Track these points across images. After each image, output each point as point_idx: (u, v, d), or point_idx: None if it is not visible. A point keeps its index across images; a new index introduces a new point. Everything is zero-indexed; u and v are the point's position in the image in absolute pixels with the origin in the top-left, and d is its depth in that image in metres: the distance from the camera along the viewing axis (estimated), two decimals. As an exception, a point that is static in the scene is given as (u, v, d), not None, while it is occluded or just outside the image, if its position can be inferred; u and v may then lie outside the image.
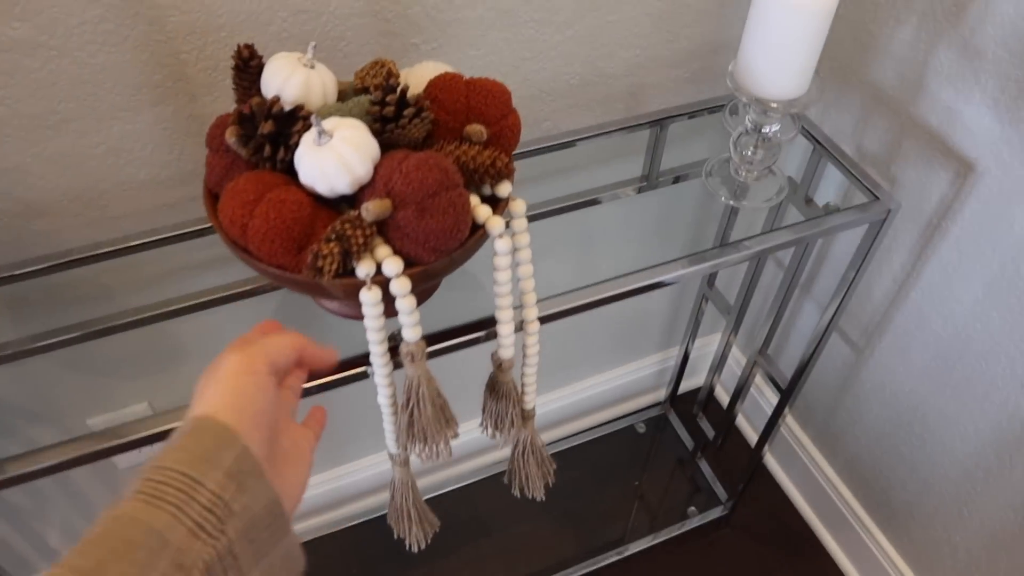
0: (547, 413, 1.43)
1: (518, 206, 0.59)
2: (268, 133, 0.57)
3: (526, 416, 0.76)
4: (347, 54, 0.77)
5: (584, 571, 1.30)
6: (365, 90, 0.63)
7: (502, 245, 0.58)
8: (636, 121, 0.90)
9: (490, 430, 0.74)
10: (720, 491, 1.39)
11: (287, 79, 0.60)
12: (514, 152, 0.61)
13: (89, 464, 0.64)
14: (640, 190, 0.97)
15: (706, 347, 1.47)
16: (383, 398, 0.65)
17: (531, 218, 0.91)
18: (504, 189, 0.58)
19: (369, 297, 0.55)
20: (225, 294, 0.83)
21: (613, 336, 1.37)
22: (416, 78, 0.63)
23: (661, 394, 1.55)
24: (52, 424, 0.95)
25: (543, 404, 1.40)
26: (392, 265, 0.55)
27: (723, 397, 1.50)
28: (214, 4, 0.68)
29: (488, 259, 0.61)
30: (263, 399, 0.45)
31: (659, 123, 0.90)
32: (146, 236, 0.76)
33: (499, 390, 0.70)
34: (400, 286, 0.55)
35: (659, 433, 1.50)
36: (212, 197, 0.62)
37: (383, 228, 0.56)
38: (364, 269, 0.55)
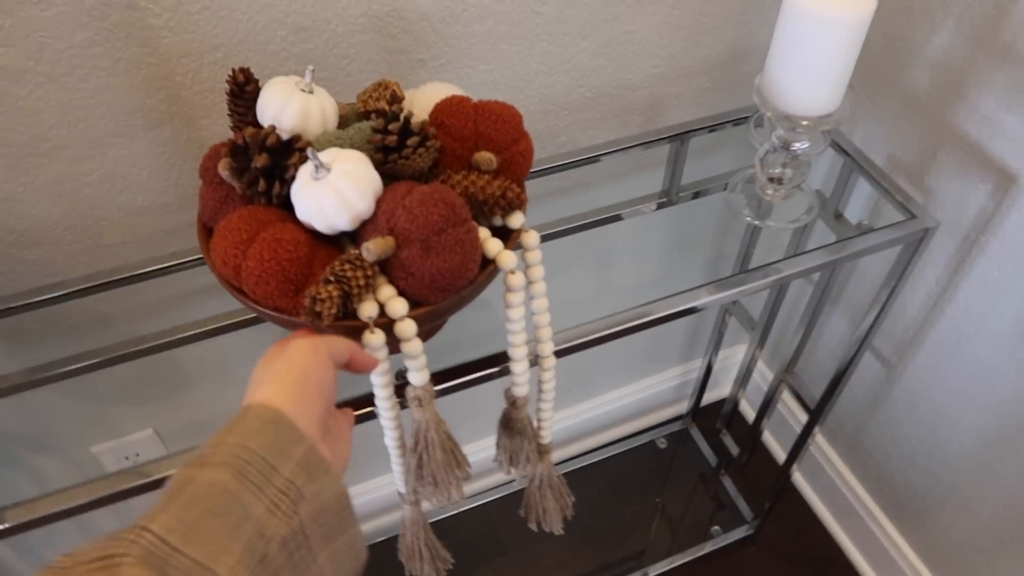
0: (564, 429, 1.39)
1: (531, 238, 0.55)
2: (263, 166, 0.54)
3: (543, 451, 0.72)
4: (350, 73, 0.74)
5: (604, 594, 1.26)
6: (368, 115, 0.59)
7: (514, 281, 0.54)
8: (656, 136, 0.85)
9: (505, 467, 0.70)
10: (745, 509, 1.34)
11: (284, 106, 0.56)
12: (528, 174, 0.57)
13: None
14: (660, 206, 0.93)
15: (730, 359, 1.42)
16: (390, 440, 0.61)
17: (546, 236, 0.88)
18: (516, 220, 0.54)
19: (373, 341, 0.52)
20: (228, 322, 0.80)
21: (633, 349, 1.33)
22: (422, 101, 0.59)
23: (683, 407, 1.50)
24: (56, 453, 0.93)
25: (559, 420, 1.36)
26: (397, 307, 0.51)
27: (748, 412, 1.46)
28: (208, 24, 0.65)
29: (498, 281, 0.57)
30: (324, 377, 0.48)
31: (679, 138, 0.86)
32: (144, 266, 0.73)
33: (514, 427, 0.67)
34: (405, 329, 0.52)
35: (681, 448, 1.46)
36: (207, 231, 0.58)
37: (386, 266, 0.52)
38: (366, 311, 0.51)
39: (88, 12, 0.60)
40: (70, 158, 0.68)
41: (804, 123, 0.66)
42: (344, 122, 0.60)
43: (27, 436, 0.89)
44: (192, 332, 0.79)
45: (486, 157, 0.52)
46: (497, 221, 0.55)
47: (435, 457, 0.58)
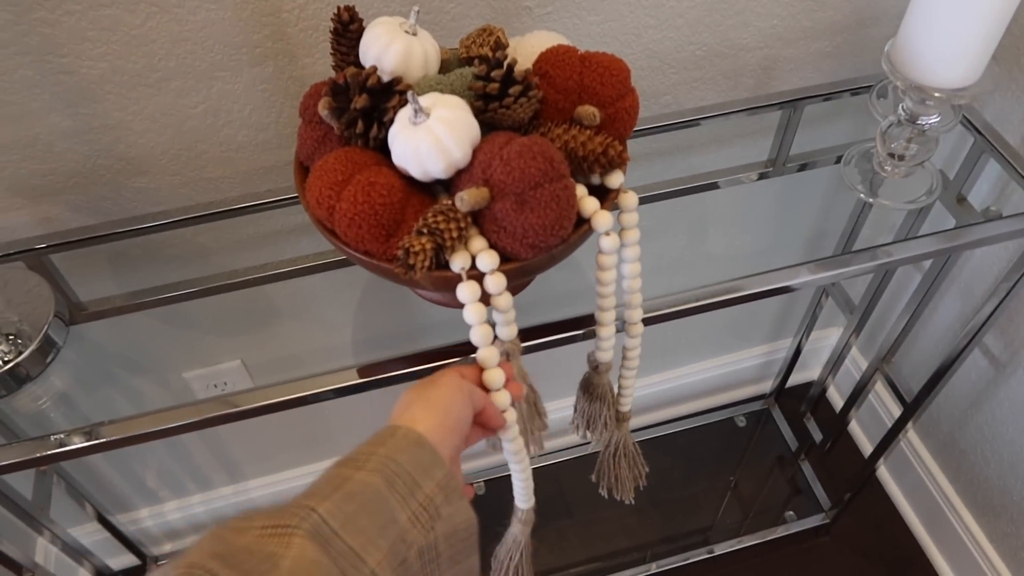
0: (642, 397, 1.36)
1: (629, 199, 0.53)
2: (362, 108, 0.53)
3: (621, 418, 0.71)
4: (454, 17, 0.72)
5: (668, 567, 1.24)
6: (470, 61, 0.58)
7: (608, 243, 0.52)
8: (767, 101, 0.81)
9: (582, 430, 0.69)
10: (823, 497, 1.29)
11: (387, 47, 0.55)
12: (631, 132, 0.54)
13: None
14: (762, 176, 0.88)
15: (821, 340, 1.36)
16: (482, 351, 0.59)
17: (642, 199, 0.85)
18: (615, 180, 0.52)
19: (467, 293, 0.51)
20: (319, 262, 0.81)
21: (719, 323, 1.29)
22: (526, 49, 0.57)
23: (767, 386, 1.45)
24: (150, 375, 0.97)
25: (638, 387, 1.34)
26: (487, 260, 0.50)
27: (836, 398, 1.40)
28: (318, -40, 0.64)
29: (590, 241, 0.55)
30: (463, 415, 0.51)
31: (792, 104, 0.81)
32: (242, 201, 0.75)
33: (594, 392, 0.65)
34: (495, 283, 0.50)
35: (760, 428, 1.42)
36: (303, 170, 0.58)
37: (478, 217, 0.51)
38: (458, 263, 0.50)
39: (202, -57, 0.60)
40: (178, 89, 0.69)
41: (937, 95, 0.60)
42: (446, 67, 0.59)
43: (125, 357, 0.93)
44: (284, 270, 0.80)
45: (589, 111, 0.50)
46: (595, 179, 0.52)
47: (519, 408, 0.57)
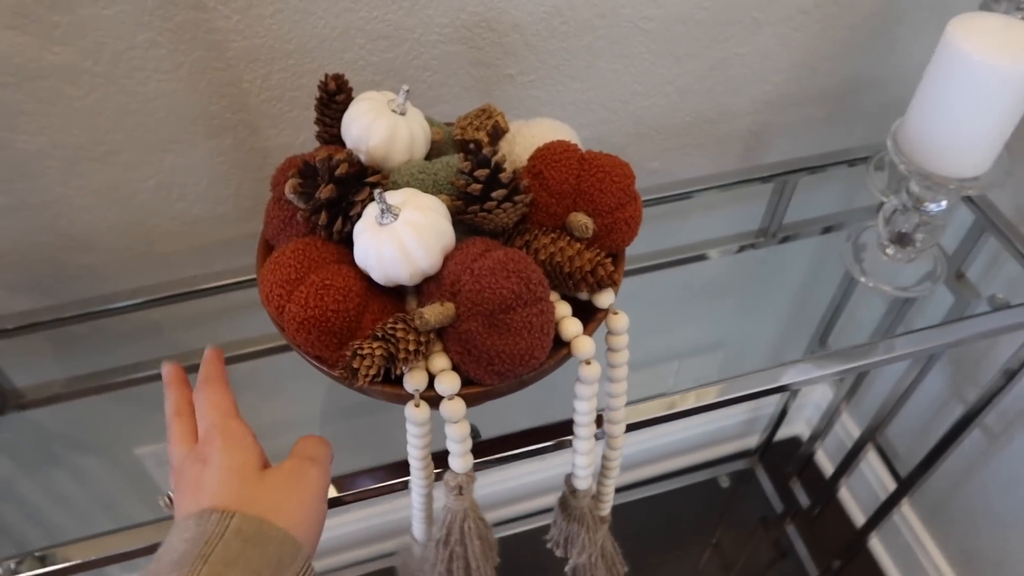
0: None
1: (619, 322, 0.47)
2: (327, 199, 0.48)
3: (600, 521, 0.65)
4: (431, 85, 0.67)
5: (650, 638, 1.19)
6: (465, 144, 0.53)
7: (590, 373, 0.46)
8: (759, 173, 0.77)
9: (560, 547, 0.63)
10: (808, 562, 1.25)
11: (369, 125, 0.49)
12: (630, 243, 0.49)
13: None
14: (753, 246, 0.84)
15: (808, 396, 1.32)
16: (418, 529, 0.54)
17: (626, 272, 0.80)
18: (604, 299, 0.46)
19: (416, 416, 0.46)
20: (281, 343, 0.74)
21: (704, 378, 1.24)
22: (526, 139, 0.52)
23: (751, 441, 1.41)
24: (99, 453, 0.90)
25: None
26: (446, 384, 0.44)
27: (824, 462, 1.35)
28: (282, 28, 0.59)
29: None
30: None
31: (783, 177, 0.77)
32: (198, 282, 0.69)
33: (572, 513, 0.59)
34: (453, 410, 0.45)
35: (744, 488, 1.37)
36: (268, 249, 0.53)
37: (443, 331, 0.45)
38: (412, 383, 0.44)
39: (151, 11, 0.54)
40: (126, 163, 0.63)
41: (951, 187, 0.56)
42: (437, 148, 0.54)
43: (70, 436, 0.86)
44: (242, 351, 0.74)
45: (581, 222, 0.45)
46: (583, 295, 0.47)
47: (472, 547, 0.51)
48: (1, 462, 0.70)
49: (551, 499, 1.29)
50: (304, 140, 0.67)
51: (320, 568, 1.29)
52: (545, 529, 0.68)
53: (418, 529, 0.54)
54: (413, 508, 0.53)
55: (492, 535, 0.53)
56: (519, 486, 1.28)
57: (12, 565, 0.53)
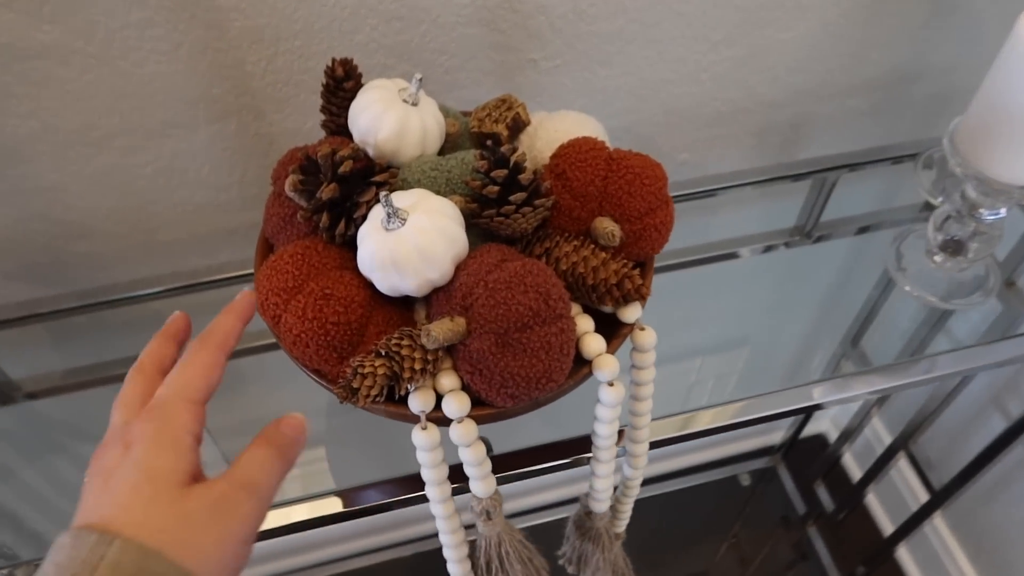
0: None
1: (646, 338, 0.43)
2: (329, 199, 0.44)
3: (615, 538, 0.62)
4: (448, 70, 0.62)
5: (664, 639, 1.16)
6: (483, 137, 0.48)
7: (611, 396, 0.42)
8: (799, 169, 0.72)
9: (573, 565, 0.60)
10: (830, 566, 1.21)
11: (379, 116, 0.45)
12: (660, 251, 0.44)
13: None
14: (789, 245, 0.79)
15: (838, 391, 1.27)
16: (455, 565, 0.50)
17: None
18: (630, 314, 0.42)
19: (424, 440, 0.42)
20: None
21: (727, 370, 1.20)
22: (548, 133, 0.48)
23: (775, 438, 1.36)
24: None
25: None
26: (454, 406, 0.41)
27: (851, 466, 1.30)
28: (288, 7, 0.55)
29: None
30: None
31: (823, 174, 0.72)
32: (200, 275, 0.66)
33: (587, 533, 0.56)
34: (463, 434, 0.41)
35: (765, 487, 1.33)
36: (268, 247, 0.49)
37: (453, 348, 0.41)
38: (418, 403, 0.41)
39: (147, -12, 0.50)
40: (123, 148, 0.59)
41: (1013, 193, 0.51)
42: (452, 142, 0.49)
43: (72, 425, 0.84)
44: (250, 345, 0.71)
45: (607, 229, 0.40)
46: (607, 308, 0.43)
47: (513, 572, 0.48)
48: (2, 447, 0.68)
49: (556, 494, 1.26)
50: (312, 126, 0.63)
51: (327, 556, 1.27)
52: (553, 525, 0.66)
53: (455, 572, 0.50)
54: (444, 547, 0.49)
55: (537, 556, 0.50)
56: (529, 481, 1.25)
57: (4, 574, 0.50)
